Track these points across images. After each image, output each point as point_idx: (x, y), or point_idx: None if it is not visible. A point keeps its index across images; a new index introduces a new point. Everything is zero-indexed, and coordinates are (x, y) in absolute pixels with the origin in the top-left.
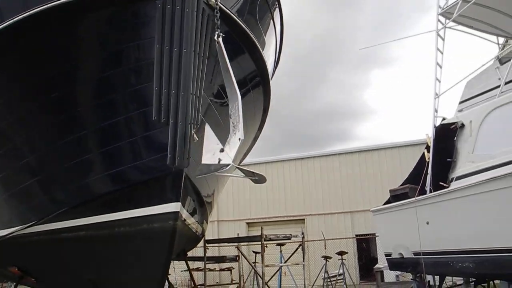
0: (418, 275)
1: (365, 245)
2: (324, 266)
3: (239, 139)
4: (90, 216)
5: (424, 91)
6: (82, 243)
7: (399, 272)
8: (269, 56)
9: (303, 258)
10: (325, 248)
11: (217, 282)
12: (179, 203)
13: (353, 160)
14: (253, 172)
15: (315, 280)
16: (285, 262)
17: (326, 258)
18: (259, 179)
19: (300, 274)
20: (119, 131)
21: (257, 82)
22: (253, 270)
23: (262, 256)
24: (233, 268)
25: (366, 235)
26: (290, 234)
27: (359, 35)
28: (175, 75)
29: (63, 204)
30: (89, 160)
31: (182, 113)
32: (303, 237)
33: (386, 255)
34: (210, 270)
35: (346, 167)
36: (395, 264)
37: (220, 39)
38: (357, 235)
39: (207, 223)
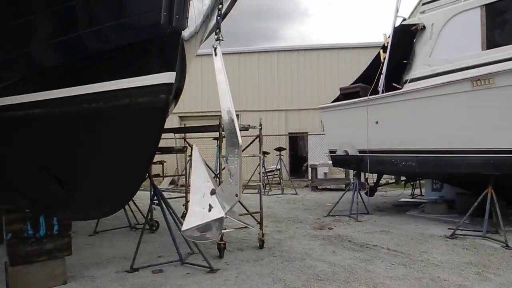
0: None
1: (300, 142)
2: (262, 161)
3: (236, 195)
4: (48, 89)
5: None
6: (35, 124)
7: (327, 170)
8: None
9: (260, 151)
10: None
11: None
12: (174, 73)
13: (292, 58)
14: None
15: (252, 175)
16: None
17: (264, 153)
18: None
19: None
20: None
21: None
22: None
23: (221, 146)
24: (165, 162)
25: (299, 133)
26: (248, 125)
27: None
28: None
29: (10, 73)
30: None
31: None
32: (260, 129)
33: (331, 151)
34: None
35: (284, 65)
36: (339, 161)
37: (219, 46)
38: (290, 133)
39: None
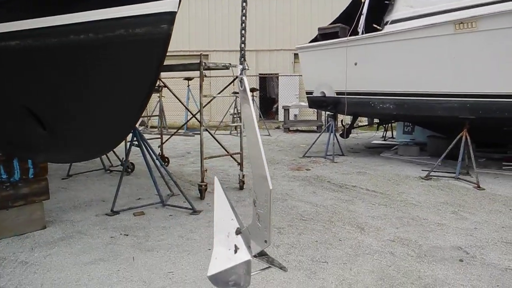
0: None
1: (270, 84)
2: (234, 102)
3: (265, 241)
4: (28, 18)
5: None
6: (14, 57)
7: (297, 112)
8: None
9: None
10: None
11: None
12: (177, 0)
13: None
14: (274, 263)
15: (224, 116)
16: (219, 93)
17: (236, 94)
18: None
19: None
20: None
21: None
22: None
23: (201, 86)
24: None
25: (270, 74)
26: (229, 64)
27: None
28: None
29: None
30: None
31: None
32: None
33: (308, 93)
34: None
35: (255, 5)
36: (316, 102)
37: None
38: (260, 74)
39: None
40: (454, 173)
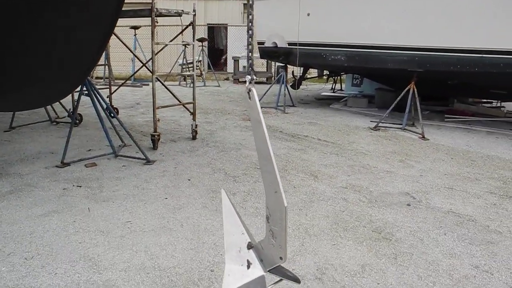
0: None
1: (219, 34)
2: (183, 53)
3: (281, 258)
4: None
5: None
6: None
7: (245, 64)
8: None
9: (193, 38)
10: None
11: None
12: None
13: None
14: (288, 275)
15: (173, 67)
16: (171, 41)
17: (186, 45)
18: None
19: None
20: None
21: None
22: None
23: (153, 33)
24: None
25: (218, 24)
26: (182, 10)
27: None
28: None
29: None
30: None
31: None
32: (194, 15)
33: (259, 43)
34: None
35: None
36: (267, 52)
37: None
38: (209, 24)
39: None
40: (401, 124)
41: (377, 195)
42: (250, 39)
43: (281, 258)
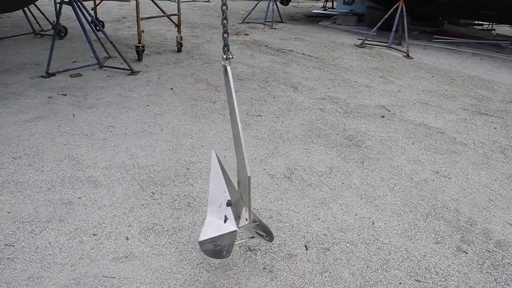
0: None
1: None
2: None
3: (246, 219)
4: None
5: None
6: None
7: None
8: None
9: None
10: None
11: None
12: None
13: None
14: (259, 234)
15: None
16: None
17: None
18: (268, 236)
19: None
20: None
21: None
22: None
23: None
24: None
25: None
26: None
27: None
28: None
29: None
30: None
31: None
32: None
33: None
34: None
35: None
36: None
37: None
38: None
39: None
40: (387, 42)
41: (354, 107)
42: (224, 21)
43: (246, 219)
